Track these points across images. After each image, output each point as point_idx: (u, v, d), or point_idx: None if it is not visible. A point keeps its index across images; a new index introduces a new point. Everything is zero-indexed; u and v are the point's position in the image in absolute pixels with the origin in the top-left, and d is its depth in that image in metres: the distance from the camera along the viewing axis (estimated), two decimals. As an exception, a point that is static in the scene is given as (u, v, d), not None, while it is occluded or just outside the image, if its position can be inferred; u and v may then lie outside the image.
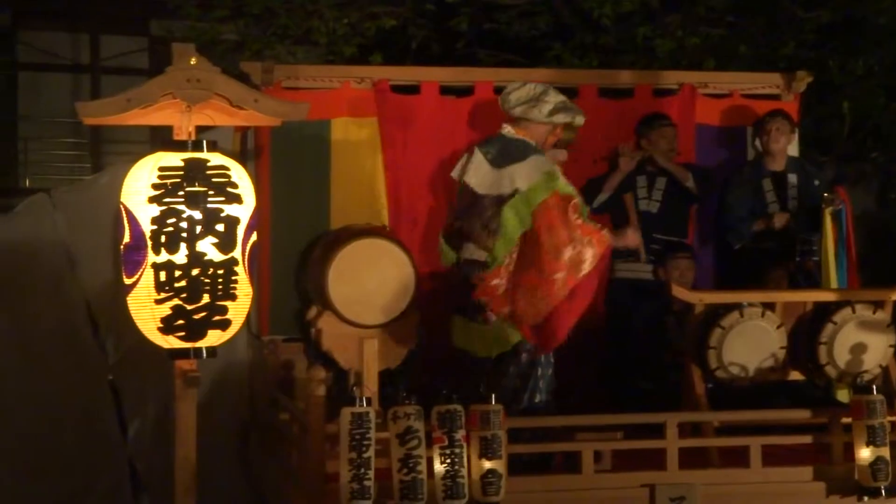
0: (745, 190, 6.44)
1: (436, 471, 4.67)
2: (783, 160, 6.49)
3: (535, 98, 5.41)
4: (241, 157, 5.99)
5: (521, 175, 5.22)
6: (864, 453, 5.02)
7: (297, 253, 6.09)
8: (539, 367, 5.30)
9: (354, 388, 4.73)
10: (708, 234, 6.67)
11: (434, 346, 5.70)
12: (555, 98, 5.45)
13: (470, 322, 5.35)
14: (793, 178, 6.48)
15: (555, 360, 5.35)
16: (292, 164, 6.18)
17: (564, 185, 5.25)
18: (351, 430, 4.58)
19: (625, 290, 6.39)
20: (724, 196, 6.48)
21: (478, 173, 5.35)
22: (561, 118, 5.43)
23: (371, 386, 5.39)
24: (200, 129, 4.99)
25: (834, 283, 6.15)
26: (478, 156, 5.38)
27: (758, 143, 6.55)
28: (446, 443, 4.68)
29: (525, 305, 5.18)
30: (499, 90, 6.36)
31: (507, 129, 5.43)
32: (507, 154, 5.33)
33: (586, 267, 5.14)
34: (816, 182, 6.52)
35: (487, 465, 4.71)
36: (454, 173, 5.53)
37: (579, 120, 5.49)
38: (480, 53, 9.06)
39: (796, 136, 6.62)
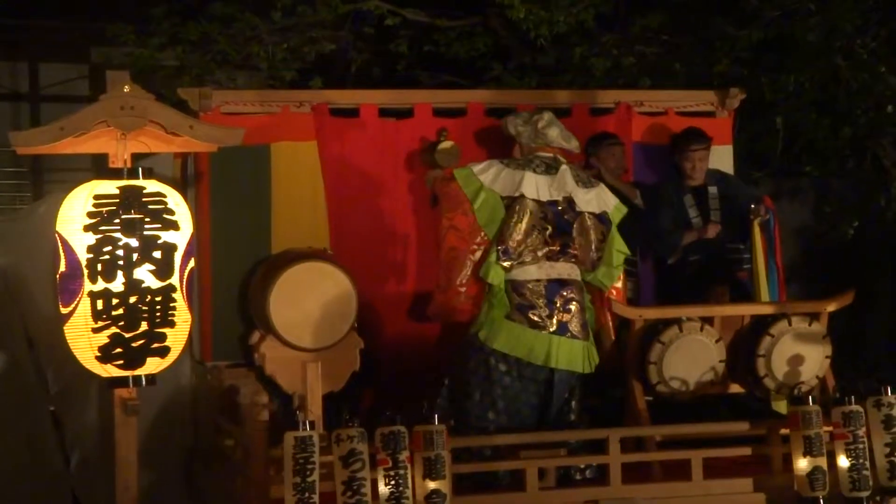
0: (666, 207, 6.45)
1: (380, 493, 4.69)
2: (703, 175, 6.52)
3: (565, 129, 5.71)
4: (182, 184, 5.97)
5: (611, 200, 5.70)
6: (802, 463, 5.11)
7: (240, 278, 6.06)
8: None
9: (297, 412, 4.73)
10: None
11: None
12: None
13: (574, 340, 5.42)
14: (713, 191, 6.49)
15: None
16: (233, 190, 6.14)
17: None
18: (295, 455, 4.58)
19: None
20: (649, 212, 6.48)
21: (577, 191, 5.59)
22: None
23: (315, 409, 5.39)
24: (140, 156, 4.98)
25: (765, 294, 6.21)
26: (570, 174, 5.60)
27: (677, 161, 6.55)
28: (390, 464, 4.70)
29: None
30: (438, 112, 6.45)
31: (561, 158, 5.66)
32: (585, 176, 5.71)
33: None
34: (738, 191, 6.54)
35: (432, 485, 4.74)
36: (541, 195, 5.51)
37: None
38: (421, 75, 9.10)
39: (710, 147, 6.60)
